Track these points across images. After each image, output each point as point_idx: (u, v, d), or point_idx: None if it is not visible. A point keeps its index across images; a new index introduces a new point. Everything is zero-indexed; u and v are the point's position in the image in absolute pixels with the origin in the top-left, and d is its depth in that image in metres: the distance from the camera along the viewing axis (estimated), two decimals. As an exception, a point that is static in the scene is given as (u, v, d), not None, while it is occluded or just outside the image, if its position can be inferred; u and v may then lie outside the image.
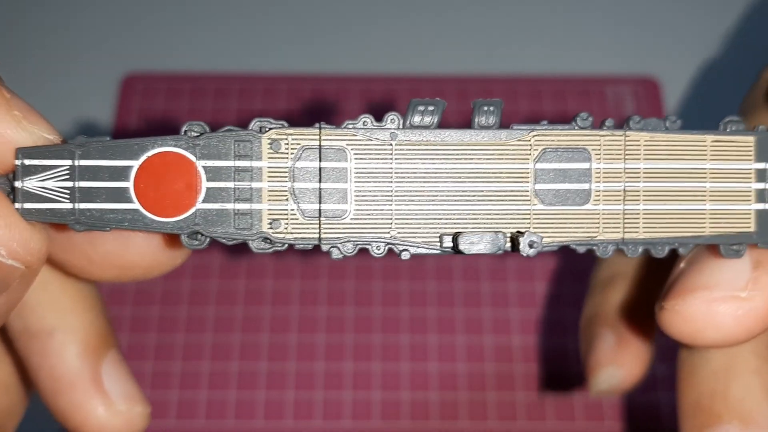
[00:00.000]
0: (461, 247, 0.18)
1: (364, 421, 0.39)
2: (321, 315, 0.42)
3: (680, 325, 0.20)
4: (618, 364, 0.26)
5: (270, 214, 0.18)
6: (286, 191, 0.18)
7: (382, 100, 0.47)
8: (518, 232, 0.18)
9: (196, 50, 0.50)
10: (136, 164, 0.18)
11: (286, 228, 0.18)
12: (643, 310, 0.27)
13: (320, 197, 0.18)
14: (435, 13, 0.52)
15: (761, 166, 0.19)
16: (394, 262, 0.43)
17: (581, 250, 0.19)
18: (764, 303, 0.19)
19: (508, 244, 0.19)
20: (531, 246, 0.18)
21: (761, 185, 0.19)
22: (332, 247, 0.19)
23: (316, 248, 0.19)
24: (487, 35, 0.51)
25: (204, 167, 0.18)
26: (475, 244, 0.18)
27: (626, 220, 0.19)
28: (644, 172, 0.19)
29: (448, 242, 0.19)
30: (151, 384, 0.40)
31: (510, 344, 0.41)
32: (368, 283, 0.42)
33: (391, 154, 0.19)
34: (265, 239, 0.18)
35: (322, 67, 0.49)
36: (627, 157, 0.19)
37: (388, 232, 0.19)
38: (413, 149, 0.19)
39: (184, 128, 0.18)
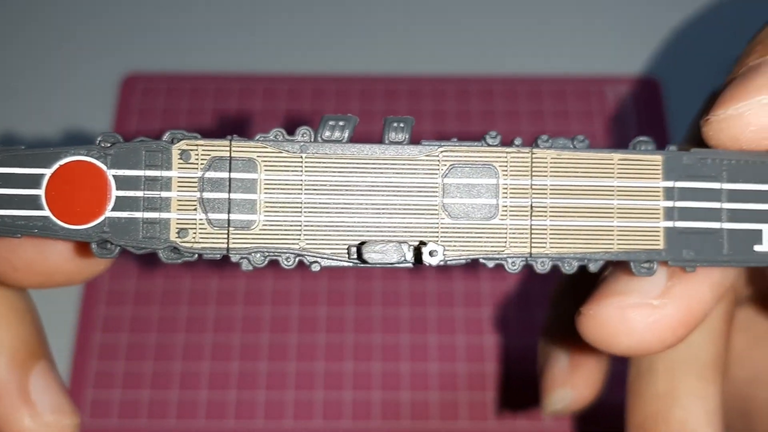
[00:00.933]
0: (365, 256, 0.18)
1: (364, 421, 0.39)
2: (321, 315, 0.42)
3: (595, 330, 0.20)
4: (570, 386, 0.27)
5: (178, 224, 0.18)
6: (195, 201, 0.19)
7: (383, 100, 0.47)
8: (421, 242, 0.18)
9: (196, 50, 0.50)
10: (48, 172, 0.18)
11: (194, 237, 0.18)
12: None
13: (229, 207, 0.19)
14: (435, 13, 0.52)
15: (669, 184, 0.19)
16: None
17: (490, 264, 0.19)
18: (675, 312, 0.19)
19: (411, 255, 0.19)
20: (432, 255, 0.18)
21: (669, 203, 0.19)
22: (242, 258, 0.19)
23: (226, 259, 0.19)
24: (488, 35, 0.51)
25: (114, 176, 0.18)
26: (378, 254, 0.18)
27: (533, 236, 0.19)
28: (551, 189, 0.19)
29: (355, 253, 0.19)
30: (151, 384, 0.40)
31: (509, 344, 0.41)
32: (368, 283, 0.42)
33: (301, 166, 0.19)
34: (174, 249, 0.18)
35: (322, 67, 0.49)
36: (534, 173, 0.19)
37: (297, 243, 0.19)
38: (323, 162, 0.19)
39: (98, 139, 0.18)
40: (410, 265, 0.19)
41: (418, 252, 0.19)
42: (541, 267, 0.19)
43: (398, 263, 0.19)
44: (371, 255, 0.18)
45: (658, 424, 0.23)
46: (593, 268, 0.19)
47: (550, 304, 0.29)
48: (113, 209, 0.18)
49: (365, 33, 0.51)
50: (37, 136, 0.47)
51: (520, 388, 0.40)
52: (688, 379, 0.22)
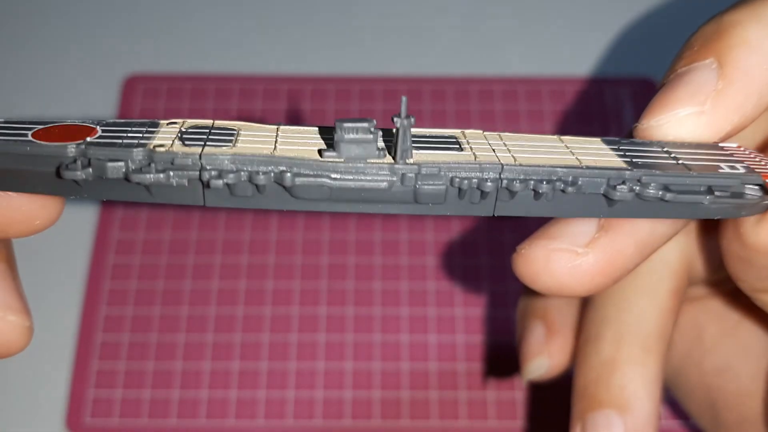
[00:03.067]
0: (341, 149, 0.17)
1: (365, 420, 0.39)
2: (321, 315, 0.42)
3: (523, 267, 0.21)
4: (546, 354, 0.28)
5: (155, 144, 0.17)
6: (174, 137, 0.18)
7: (383, 100, 0.48)
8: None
9: (197, 51, 0.50)
10: (39, 126, 0.17)
11: (170, 147, 0.17)
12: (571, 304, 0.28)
13: (207, 138, 0.18)
14: (435, 14, 0.52)
15: (614, 146, 0.19)
16: (394, 261, 0.43)
17: (462, 174, 0.18)
18: (595, 261, 0.20)
19: (381, 143, 0.18)
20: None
21: (619, 153, 0.19)
22: (213, 172, 0.17)
23: (200, 181, 0.17)
24: (487, 36, 0.51)
25: (103, 130, 0.17)
26: (354, 145, 0.17)
27: (501, 157, 0.18)
28: (509, 147, 0.19)
29: (328, 152, 0.18)
30: (152, 383, 0.40)
31: (509, 343, 0.41)
32: (368, 283, 0.43)
33: (276, 134, 0.19)
34: (148, 156, 0.17)
35: (322, 68, 0.49)
36: (488, 140, 0.19)
37: (271, 151, 0.17)
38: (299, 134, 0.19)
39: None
40: (387, 165, 0.17)
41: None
42: (520, 187, 0.17)
43: (377, 165, 0.17)
44: (347, 147, 0.17)
45: (599, 390, 0.24)
46: (571, 190, 0.18)
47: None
48: (95, 138, 0.17)
49: (365, 33, 0.51)
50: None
51: (521, 387, 0.40)
52: (630, 349, 0.24)
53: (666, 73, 0.21)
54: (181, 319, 0.42)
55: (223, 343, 0.41)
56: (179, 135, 0.17)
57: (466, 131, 0.19)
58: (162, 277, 0.43)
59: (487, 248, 0.43)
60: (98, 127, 0.18)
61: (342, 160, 0.17)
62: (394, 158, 0.17)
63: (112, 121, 0.18)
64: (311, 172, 0.17)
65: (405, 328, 0.41)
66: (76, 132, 0.17)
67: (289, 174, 0.17)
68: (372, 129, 0.17)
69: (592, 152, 0.19)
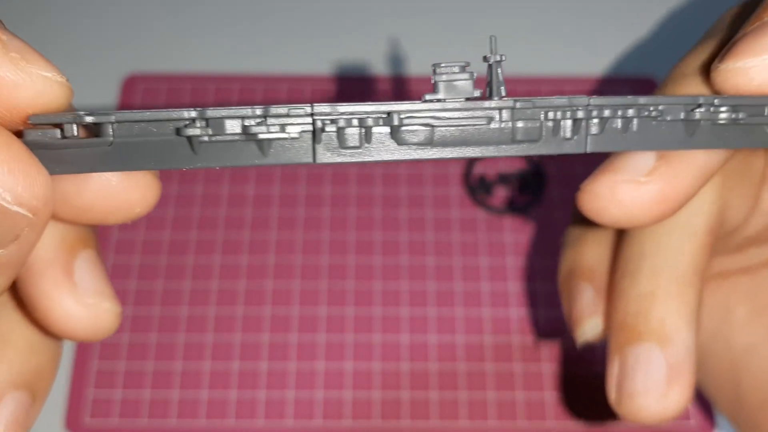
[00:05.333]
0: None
1: (365, 420, 0.39)
2: (321, 315, 0.42)
3: (589, 202, 0.22)
4: (599, 315, 0.27)
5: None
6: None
7: (383, 100, 0.48)
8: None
9: (196, 50, 0.50)
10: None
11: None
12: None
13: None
14: (435, 14, 0.52)
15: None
16: (394, 261, 0.43)
17: (556, 103, 0.18)
18: (657, 189, 0.21)
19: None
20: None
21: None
22: (327, 117, 0.17)
23: (315, 125, 0.17)
24: (486, 36, 0.51)
25: None
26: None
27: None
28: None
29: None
30: (152, 383, 0.40)
31: (509, 343, 0.41)
32: (368, 283, 0.43)
33: None
34: (264, 111, 0.17)
35: (322, 68, 0.49)
36: None
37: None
38: None
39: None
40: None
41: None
42: (610, 113, 0.18)
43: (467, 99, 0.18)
44: (445, 87, 0.18)
45: (638, 322, 0.24)
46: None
47: (564, 245, 0.30)
48: None
49: (366, 33, 0.51)
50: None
51: (521, 387, 0.40)
52: (669, 283, 0.24)
53: (749, 21, 0.21)
54: (180, 319, 0.42)
55: (223, 343, 0.41)
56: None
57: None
58: (161, 277, 0.43)
59: (487, 248, 0.43)
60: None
61: (443, 98, 0.18)
62: (489, 96, 0.18)
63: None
64: (415, 114, 0.18)
65: (405, 328, 0.41)
66: None
67: (396, 116, 0.17)
68: (466, 68, 0.18)
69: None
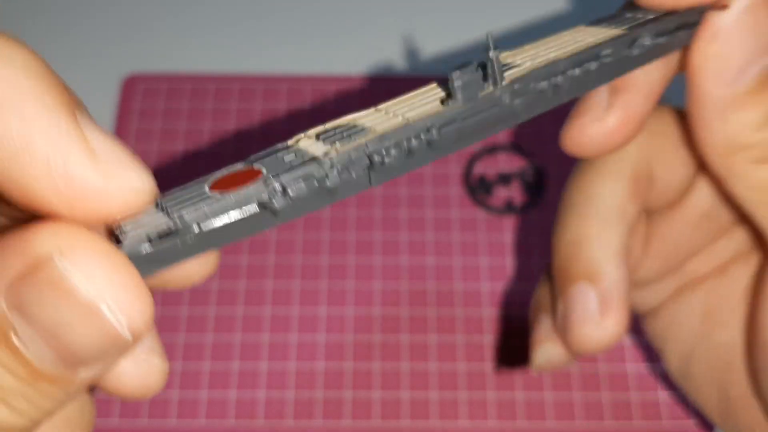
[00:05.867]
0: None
1: (365, 420, 0.39)
2: (321, 315, 0.42)
3: (569, 144, 0.25)
4: (553, 341, 0.30)
5: (314, 153, 0.19)
6: (314, 141, 0.19)
7: (384, 100, 0.48)
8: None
9: (196, 50, 0.50)
10: (204, 184, 0.18)
11: (332, 149, 0.19)
12: None
13: (342, 135, 0.19)
14: (435, 14, 0.52)
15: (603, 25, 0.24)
16: (394, 261, 0.43)
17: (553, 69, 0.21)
18: (616, 119, 0.25)
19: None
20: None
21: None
22: (378, 150, 0.19)
23: (373, 159, 0.19)
24: (485, 36, 0.51)
25: (261, 163, 0.18)
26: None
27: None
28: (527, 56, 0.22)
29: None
30: (151, 383, 0.40)
31: (510, 343, 0.41)
32: (368, 283, 0.43)
33: None
34: (330, 162, 0.18)
35: (322, 68, 0.49)
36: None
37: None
38: None
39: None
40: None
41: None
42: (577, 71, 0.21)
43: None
44: (462, 91, 0.20)
45: (571, 266, 0.27)
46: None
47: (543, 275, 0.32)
48: (267, 173, 0.18)
49: (366, 33, 0.51)
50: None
51: (520, 388, 0.40)
52: (593, 227, 0.27)
53: None
54: (180, 319, 0.42)
55: (223, 343, 0.41)
56: (317, 136, 0.19)
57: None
58: (162, 277, 0.43)
59: (487, 248, 0.43)
60: (257, 164, 0.18)
61: (462, 106, 0.20)
62: (494, 85, 0.20)
63: (256, 155, 0.18)
64: (447, 122, 0.20)
65: (405, 328, 0.41)
66: (246, 176, 0.18)
67: (435, 129, 0.19)
68: (476, 67, 0.20)
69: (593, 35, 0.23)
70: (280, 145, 0.19)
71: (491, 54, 0.20)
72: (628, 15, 0.24)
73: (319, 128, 0.20)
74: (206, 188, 0.17)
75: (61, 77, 0.16)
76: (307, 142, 0.19)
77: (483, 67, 0.20)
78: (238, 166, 0.18)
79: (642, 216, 0.31)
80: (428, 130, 0.19)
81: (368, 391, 0.40)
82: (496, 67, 0.20)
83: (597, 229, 0.27)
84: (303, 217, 0.44)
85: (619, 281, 0.27)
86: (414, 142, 0.19)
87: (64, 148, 0.15)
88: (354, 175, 0.19)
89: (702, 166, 0.28)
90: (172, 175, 0.45)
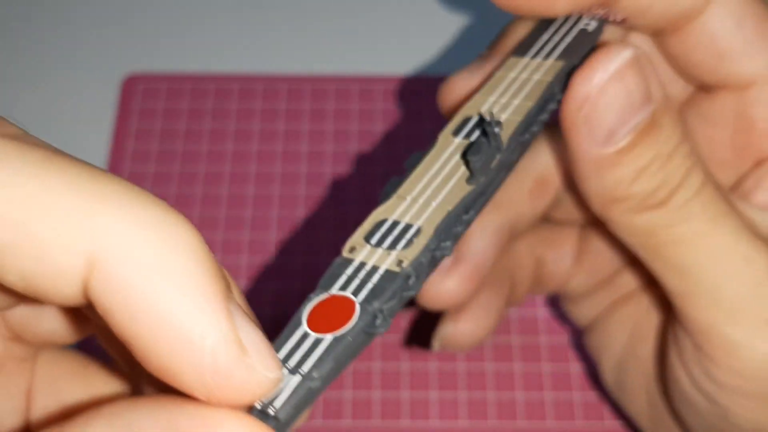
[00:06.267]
0: None
1: (364, 420, 0.39)
2: (321, 315, 0.42)
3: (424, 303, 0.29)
4: (454, 320, 0.31)
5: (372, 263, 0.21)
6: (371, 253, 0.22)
7: (383, 100, 0.48)
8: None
9: (196, 51, 0.50)
10: (301, 318, 0.19)
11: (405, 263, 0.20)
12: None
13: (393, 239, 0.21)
14: (435, 13, 0.52)
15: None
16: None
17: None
18: (455, 284, 0.29)
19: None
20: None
21: None
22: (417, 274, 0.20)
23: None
24: (487, 36, 0.51)
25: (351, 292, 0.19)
26: None
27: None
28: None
29: None
30: (151, 384, 0.40)
31: (510, 342, 0.41)
32: (368, 283, 0.43)
33: None
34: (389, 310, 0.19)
35: (322, 68, 0.49)
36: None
37: None
38: None
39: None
40: None
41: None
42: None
43: None
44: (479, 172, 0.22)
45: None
46: None
47: None
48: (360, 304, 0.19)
49: (366, 33, 0.51)
50: (36, 136, 0.47)
51: (520, 387, 0.40)
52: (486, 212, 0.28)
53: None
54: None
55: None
56: (366, 240, 0.21)
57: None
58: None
59: (487, 248, 0.43)
60: (337, 292, 0.19)
61: (485, 178, 0.22)
62: (499, 151, 0.22)
63: (326, 280, 0.20)
64: (478, 197, 0.22)
65: (405, 328, 0.41)
66: (339, 308, 0.19)
67: (473, 211, 0.22)
68: (488, 145, 0.22)
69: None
70: (339, 260, 0.20)
71: (496, 129, 0.21)
72: (543, 36, 0.26)
73: (362, 231, 0.21)
74: (308, 330, 0.18)
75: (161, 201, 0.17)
76: (364, 251, 0.20)
77: (485, 135, 0.21)
78: (322, 297, 0.19)
79: (574, 229, 0.32)
80: (467, 211, 0.21)
81: (368, 391, 0.40)
82: (499, 138, 0.22)
83: (482, 222, 0.29)
84: (307, 220, 0.44)
85: (477, 249, 0.29)
86: (459, 228, 0.21)
87: (217, 340, 0.15)
88: (426, 275, 0.20)
89: None
90: (172, 175, 0.45)
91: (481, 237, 0.29)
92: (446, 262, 0.28)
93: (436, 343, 0.32)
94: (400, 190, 0.21)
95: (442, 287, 0.29)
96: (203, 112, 0.47)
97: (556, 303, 0.41)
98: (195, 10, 0.52)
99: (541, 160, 0.30)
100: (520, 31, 0.28)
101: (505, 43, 0.28)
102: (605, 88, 0.23)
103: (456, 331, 0.31)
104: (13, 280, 0.15)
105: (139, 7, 0.52)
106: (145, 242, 0.16)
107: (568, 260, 0.33)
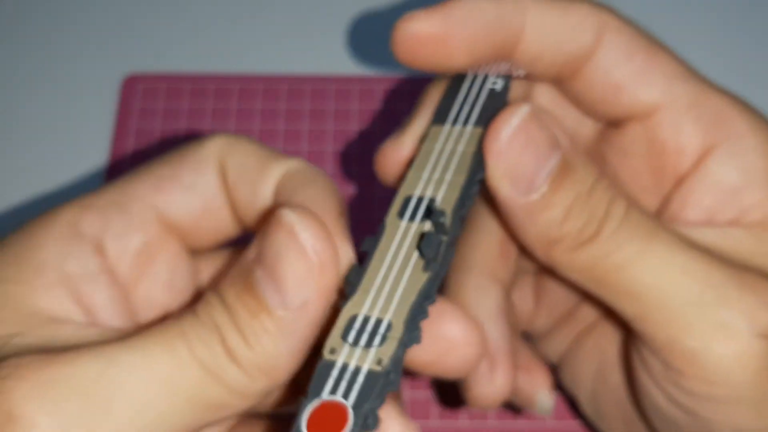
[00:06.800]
0: None
1: (365, 420, 0.39)
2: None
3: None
4: (490, 381, 0.31)
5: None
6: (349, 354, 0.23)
7: (383, 100, 0.48)
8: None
9: (196, 51, 0.50)
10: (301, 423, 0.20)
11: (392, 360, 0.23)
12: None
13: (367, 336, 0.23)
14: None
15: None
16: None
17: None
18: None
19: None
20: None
21: None
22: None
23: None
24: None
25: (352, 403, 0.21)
26: None
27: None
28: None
29: None
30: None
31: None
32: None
33: None
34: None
35: (322, 68, 0.49)
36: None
37: None
38: None
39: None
40: None
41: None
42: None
43: None
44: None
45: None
46: None
47: None
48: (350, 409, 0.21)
49: (366, 33, 0.51)
50: (36, 136, 0.47)
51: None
52: (469, 297, 0.30)
53: None
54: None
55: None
56: (343, 338, 0.22)
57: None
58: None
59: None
60: (328, 397, 0.21)
61: (439, 262, 0.23)
62: (446, 234, 0.24)
63: (314, 386, 0.21)
64: (433, 280, 0.24)
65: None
66: (333, 414, 0.20)
67: (433, 296, 0.23)
68: (436, 236, 0.23)
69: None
70: (323, 363, 0.21)
71: (441, 219, 0.23)
72: (458, 99, 0.28)
73: (338, 330, 0.22)
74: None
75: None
76: (344, 351, 0.21)
77: (434, 226, 0.23)
78: (315, 403, 0.20)
79: (526, 273, 0.33)
80: (428, 297, 0.22)
81: (368, 391, 0.40)
82: (446, 225, 0.23)
83: (474, 296, 0.30)
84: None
85: (500, 338, 0.29)
86: (423, 315, 0.22)
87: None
88: (402, 367, 0.22)
89: None
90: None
91: (494, 326, 0.30)
92: (483, 366, 0.29)
93: (474, 404, 0.32)
94: (363, 284, 0.23)
95: (494, 388, 0.29)
96: (203, 112, 0.47)
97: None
98: (195, 11, 0.52)
99: (492, 225, 0.31)
100: (437, 95, 0.30)
101: (425, 105, 0.30)
102: (512, 142, 0.25)
103: (495, 389, 0.30)
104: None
105: (139, 7, 0.52)
106: None
107: (530, 302, 0.34)
